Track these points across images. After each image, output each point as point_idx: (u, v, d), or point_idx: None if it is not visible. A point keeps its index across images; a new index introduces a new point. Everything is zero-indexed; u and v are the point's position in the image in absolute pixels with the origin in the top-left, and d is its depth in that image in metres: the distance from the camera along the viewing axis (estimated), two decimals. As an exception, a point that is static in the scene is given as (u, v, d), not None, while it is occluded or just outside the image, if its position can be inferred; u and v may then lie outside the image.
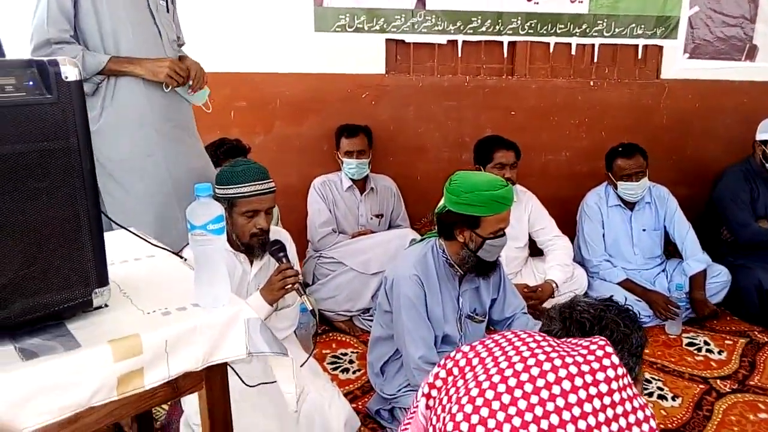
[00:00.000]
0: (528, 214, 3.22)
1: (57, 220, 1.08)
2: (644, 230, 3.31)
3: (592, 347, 1.04)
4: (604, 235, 3.31)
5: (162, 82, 2.17)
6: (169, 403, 2.21)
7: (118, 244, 1.51)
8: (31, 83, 1.05)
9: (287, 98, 3.44)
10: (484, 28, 3.51)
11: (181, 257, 1.47)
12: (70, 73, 1.08)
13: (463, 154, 3.48)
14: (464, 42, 3.52)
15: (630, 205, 3.30)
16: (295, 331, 2.32)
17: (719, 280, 3.19)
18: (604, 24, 3.57)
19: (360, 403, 2.43)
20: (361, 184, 3.33)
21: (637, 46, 3.66)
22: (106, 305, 1.19)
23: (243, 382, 1.51)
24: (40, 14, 2.02)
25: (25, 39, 2.07)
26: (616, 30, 3.60)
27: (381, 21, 3.43)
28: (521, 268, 3.24)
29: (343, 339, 3.00)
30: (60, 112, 1.07)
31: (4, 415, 0.96)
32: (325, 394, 2.01)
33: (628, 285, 3.17)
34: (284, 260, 2.06)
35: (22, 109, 1.03)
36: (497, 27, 3.51)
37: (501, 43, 3.56)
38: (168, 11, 2.25)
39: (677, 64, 3.69)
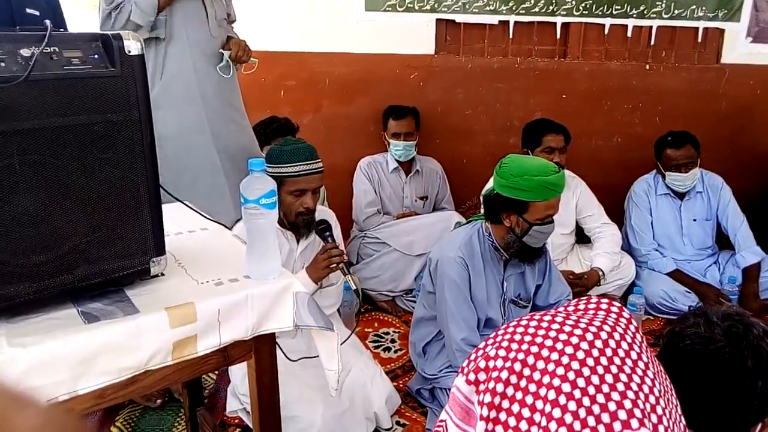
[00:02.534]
0: (576, 200, 3.17)
1: (119, 190, 1.12)
2: (695, 220, 3.21)
3: (603, 305, 1.06)
4: (652, 224, 3.23)
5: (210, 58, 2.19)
6: (217, 372, 2.28)
7: (173, 217, 1.56)
8: (96, 56, 1.09)
9: (336, 78, 3.45)
10: (537, 9, 3.44)
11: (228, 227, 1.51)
12: (133, 47, 1.11)
13: (511, 138, 3.43)
14: (516, 23, 3.46)
15: (680, 195, 3.20)
16: (338, 309, 2.36)
17: (774, 273, 3.08)
18: (663, 5, 3.44)
19: (401, 382, 2.45)
20: (406, 165, 3.33)
21: (697, 28, 3.51)
22: (163, 274, 1.24)
23: (285, 356, 1.55)
24: None
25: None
26: (676, 11, 3.46)
27: (432, 0, 3.39)
28: (567, 254, 3.20)
29: (386, 318, 3.02)
30: (123, 85, 1.11)
31: (68, 374, 1.01)
32: (368, 371, 2.04)
33: (677, 276, 3.09)
34: (330, 240, 2.09)
35: (88, 82, 1.07)
36: (551, 7, 3.43)
37: (554, 24, 3.48)
38: None
39: (739, 48, 3.53)
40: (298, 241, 2.18)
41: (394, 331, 2.89)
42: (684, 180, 3.10)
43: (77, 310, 1.11)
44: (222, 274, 1.27)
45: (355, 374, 2.04)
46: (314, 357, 1.82)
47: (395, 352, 2.71)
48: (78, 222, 1.08)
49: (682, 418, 1.03)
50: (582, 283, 2.92)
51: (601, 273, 2.97)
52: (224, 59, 2.26)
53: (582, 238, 3.26)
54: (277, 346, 1.52)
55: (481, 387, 1.04)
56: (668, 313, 3.04)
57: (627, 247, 3.27)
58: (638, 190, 3.26)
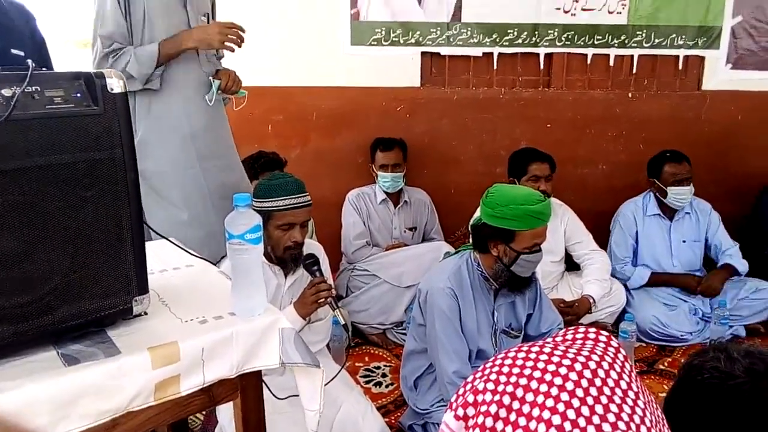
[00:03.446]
0: (564, 227, 3.18)
1: (101, 229, 1.11)
2: (684, 241, 3.23)
3: (591, 335, 1.05)
4: (636, 244, 3.25)
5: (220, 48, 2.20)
6: (204, 413, 2.23)
7: (158, 254, 1.54)
8: (78, 95, 1.09)
9: (323, 111, 3.48)
10: (520, 40, 3.50)
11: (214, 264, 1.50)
12: (115, 85, 1.11)
13: (498, 167, 3.45)
14: (500, 54, 3.51)
15: (669, 216, 3.23)
16: (328, 344, 2.33)
17: (765, 296, 3.09)
18: (644, 34, 3.52)
19: (393, 418, 2.41)
20: (395, 197, 3.34)
21: (677, 56, 3.58)
22: (146, 313, 1.22)
23: (272, 394, 1.52)
24: (95, 36, 2.12)
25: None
26: (656, 40, 3.54)
27: (417, 34, 3.45)
28: (557, 282, 3.19)
29: (376, 352, 2.99)
30: (106, 123, 1.10)
31: (48, 417, 0.99)
32: (359, 407, 2.00)
33: (656, 279, 3.16)
34: (318, 274, 2.07)
35: (70, 120, 1.06)
36: (533, 39, 3.49)
37: (537, 55, 3.54)
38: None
39: (719, 75, 3.60)
40: (285, 276, 2.16)
41: (385, 365, 2.85)
42: (687, 194, 3.13)
43: (57, 352, 1.08)
44: (207, 312, 1.25)
45: (346, 410, 2.00)
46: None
47: (386, 386, 2.68)
48: (59, 261, 1.06)
49: None
50: (573, 311, 2.91)
51: (591, 300, 2.96)
52: (212, 89, 2.26)
53: (571, 265, 3.26)
54: (263, 384, 1.50)
55: (470, 422, 1.02)
56: (661, 340, 3.03)
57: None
58: (625, 212, 3.28)
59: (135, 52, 2.10)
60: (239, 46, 2.20)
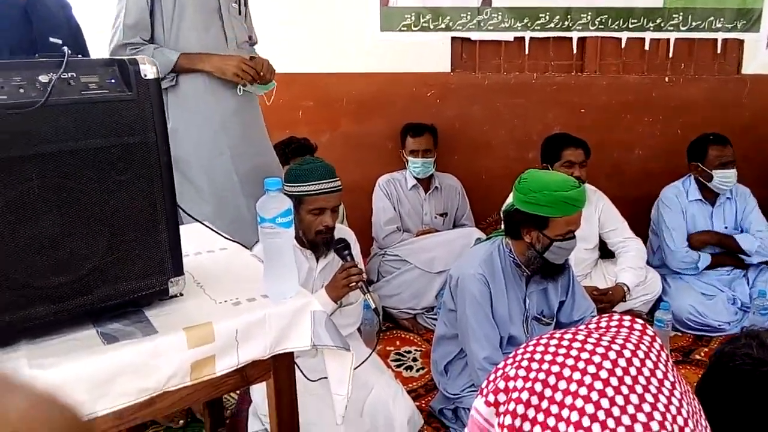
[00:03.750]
0: (598, 214, 3.12)
1: (137, 211, 1.13)
2: (726, 227, 3.15)
3: (626, 323, 1.04)
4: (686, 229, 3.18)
5: (230, 80, 2.22)
6: (238, 392, 2.27)
7: (192, 237, 1.56)
8: (112, 81, 1.10)
9: (353, 97, 3.48)
10: (552, 24, 3.43)
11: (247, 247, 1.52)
12: (149, 71, 1.13)
13: (530, 153, 3.41)
14: (531, 39, 3.46)
15: (711, 201, 3.15)
16: (359, 328, 2.35)
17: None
18: (680, 17, 3.42)
19: (423, 402, 2.42)
20: (425, 182, 3.33)
21: (715, 40, 3.48)
22: (181, 294, 1.24)
23: (305, 376, 1.54)
24: (119, 20, 2.12)
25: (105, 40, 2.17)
26: (693, 24, 3.44)
27: (446, 19, 3.41)
28: (591, 270, 3.14)
29: (407, 336, 2.99)
30: (139, 108, 1.12)
31: (87, 395, 1.02)
32: (389, 390, 2.01)
33: (705, 237, 3.12)
34: (348, 258, 2.08)
35: (105, 106, 1.08)
36: (566, 23, 3.43)
37: (570, 39, 3.47)
38: (240, 13, 2.31)
39: (760, 58, 3.49)
40: (317, 260, 2.17)
41: (416, 350, 2.86)
42: (732, 177, 3.06)
43: (96, 330, 1.11)
44: (240, 294, 1.27)
45: (377, 393, 2.02)
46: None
47: (417, 371, 2.68)
48: (96, 243, 1.09)
49: None
50: (607, 299, 2.87)
51: (626, 288, 2.91)
52: (239, 88, 2.27)
53: (606, 253, 3.21)
54: (296, 366, 1.51)
55: (501, 409, 1.01)
56: (697, 329, 2.97)
57: (660, 257, 3.22)
58: (669, 195, 3.20)
59: (154, 53, 2.11)
60: (251, 83, 2.24)
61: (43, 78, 1.02)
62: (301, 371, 1.53)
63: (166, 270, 1.18)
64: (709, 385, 1.09)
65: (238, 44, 2.29)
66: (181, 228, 1.23)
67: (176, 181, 2.17)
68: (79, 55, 1.19)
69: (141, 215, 1.14)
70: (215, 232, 1.51)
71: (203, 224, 1.50)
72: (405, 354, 2.83)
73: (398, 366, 2.72)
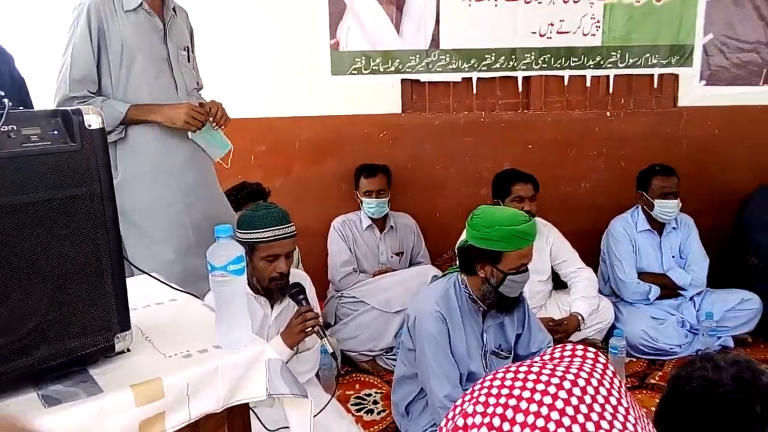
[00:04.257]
0: (549, 246, 3.19)
1: (80, 266, 1.10)
2: (673, 256, 3.26)
3: (579, 352, 1.05)
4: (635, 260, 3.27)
5: (181, 129, 2.19)
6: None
7: (140, 290, 1.52)
8: (55, 132, 1.08)
9: (306, 141, 3.49)
10: (498, 65, 3.55)
11: (197, 297, 1.49)
12: (93, 121, 1.11)
13: (482, 189, 3.47)
14: (479, 79, 3.56)
15: (659, 230, 3.26)
16: (317, 373, 2.31)
17: (751, 307, 3.12)
18: (618, 55, 3.59)
19: (386, 445, 2.38)
20: (380, 222, 3.34)
21: (652, 75, 3.67)
22: (129, 350, 1.20)
23: (262, 424, 1.50)
24: (64, 72, 2.07)
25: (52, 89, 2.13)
26: (630, 60, 3.61)
27: (396, 62, 3.49)
28: (545, 301, 3.19)
29: (367, 379, 2.96)
30: (83, 159, 1.10)
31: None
32: (350, 436, 1.97)
33: (647, 279, 3.22)
34: (304, 303, 2.06)
35: (47, 158, 1.06)
36: (511, 63, 3.55)
37: (515, 78, 3.59)
38: (189, 60, 2.31)
39: (694, 91, 3.68)
40: (272, 307, 2.14)
41: (377, 392, 2.82)
42: (674, 208, 3.17)
43: (37, 393, 1.06)
44: (191, 346, 1.24)
45: (338, 440, 1.98)
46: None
47: (378, 413, 2.64)
48: (37, 301, 1.05)
49: None
50: (562, 329, 2.91)
51: (580, 318, 2.96)
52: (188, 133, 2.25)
53: (559, 284, 3.27)
54: (255, 415, 1.47)
55: None
56: (650, 354, 3.04)
57: (613, 285, 3.31)
58: (618, 228, 3.30)
59: (102, 106, 2.06)
60: (199, 129, 2.22)
61: (-20, 132, 0.99)
62: (260, 421, 1.49)
63: (111, 326, 1.14)
64: (668, 410, 1.11)
65: (188, 91, 2.28)
66: (129, 280, 1.20)
67: (128, 232, 2.15)
68: (21, 108, 1.17)
69: (85, 269, 1.10)
70: (164, 283, 1.48)
71: (150, 276, 1.46)
72: (365, 397, 2.79)
73: (359, 410, 2.67)
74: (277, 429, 1.62)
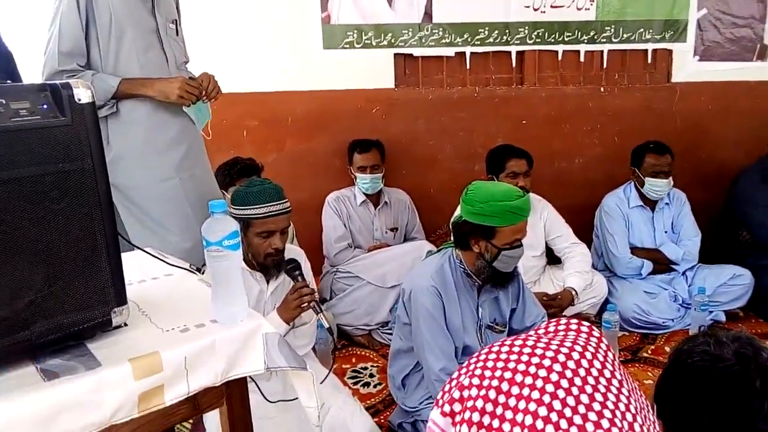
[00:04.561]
0: (543, 222, 3.20)
1: (74, 241, 1.09)
2: (666, 232, 3.28)
3: (573, 326, 1.06)
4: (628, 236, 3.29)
5: (175, 103, 2.17)
6: (191, 421, 2.21)
7: (135, 264, 1.52)
8: (45, 106, 1.06)
9: (298, 116, 3.47)
10: (491, 39, 3.52)
11: (195, 272, 1.48)
12: (83, 95, 1.09)
13: (476, 165, 3.47)
14: (472, 53, 3.53)
15: (651, 206, 3.28)
16: (314, 347, 2.32)
17: (742, 282, 3.15)
18: (612, 30, 3.57)
19: (382, 417, 2.41)
20: (375, 198, 3.34)
21: (646, 50, 3.65)
22: (126, 324, 1.20)
23: (264, 397, 1.51)
24: (51, 46, 2.03)
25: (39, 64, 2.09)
26: (624, 35, 3.59)
27: (389, 36, 3.45)
28: (539, 276, 3.21)
29: (363, 353, 2.98)
30: (74, 133, 1.08)
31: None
32: (347, 409, 2.00)
33: (640, 254, 3.25)
34: (299, 279, 2.06)
35: (37, 132, 1.04)
36: (505, 37, 3.52)
37: (509, 53, 3.56)
38: (177, 33, 2.27)
39: (688, 67, 3.67)
40: (268, 282, 2.15)
41: (373, 366, 2.85)
42: (664, 187, 3.18)
43: (36, 367, 1.06)
44: (188, 320, 1.24)
45: (335, 413, 2.00)
46: (292, 399, 1.79)
47: (374, 386, 2.67)
48: (33, 276, 1.04)
49: None
50: (556, 304, 2.94)
51: (574, 293, 2.99)
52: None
53: (553, 259, 3.29)
54: (256, 386, 1.49)
55: (457, 418, 1.02)
56: (643, 328, 3.07)
57: (606, 261, 3.33)
58: (611, 204, 3.31)
59: (93, 80, 2.02)
60: (194, 102, 2.18)
61: (-30, 106, 0.98)
62: (261, 393, 1.51)
63: (108, 300, 1.14)
64: (669, 384, 1.12)
65: (177, 65, 2.25)
66: (124, 255, 1.19)
67: (123, 208, 2.14)
68: (9, 81, 1.15)
69: (79, 245, 1.09)
70: (158, 258, 1.47)
71: (145, 252, 1.46)
72: (361, 371, 2.81)
73: (355, 383, 2.70)
74: (277, 401, 1.64)
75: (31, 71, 2.20)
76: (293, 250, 2.24)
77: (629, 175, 3.31)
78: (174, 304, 1.33)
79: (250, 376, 1.40)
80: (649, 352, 2.93)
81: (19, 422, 0.96)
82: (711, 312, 3.08)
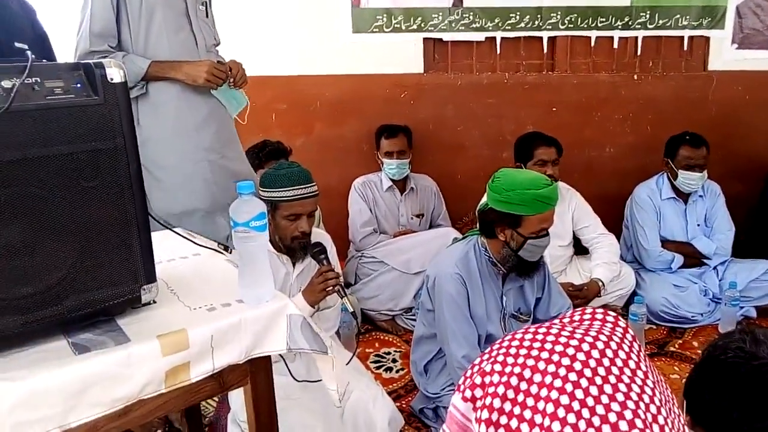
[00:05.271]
0: (572, 211, 3.16)
1: (106, 219, 1.11)
2: (698, 225, 3.22)
3: (599, 316, 1.05)
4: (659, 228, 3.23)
5: (202, 86, 2.18)
6: (217, 399, 2.25)
7: (163, 244, 1.54)
8: (78, 85, 1.08)
9: (327, 100, 3.47)
10: (522, 24, 3.47)
11: (223, 252, 1.50)
12: (115, 74, 1.11)
13: (504, 152, 3.43)
14: (503, 39, 3.49)
15: (684, 198, 3.21)
16: (338, 331, 2.34)
17: (776, 276, 3.07)
18: (647, 15, 3.48)
19: (404, 402, 2.42)
20: (401, 184, 3.33)
21: (682, 37, 3.55)
22: (155, 301, 1.22)
23: (292, 375, 1.54)
24: (84, 27, 2.06)
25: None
26: (660, 21, 3.50)
27: (418, 20, 3.42)
28: (566, 266, 3.18)
29: (387, 338, 2.99)
30: (106, 113, 1.10)
31: (60, 406, 1.00)
32: (369, 392, 2.01)
33: (671, 247, 3.19)
34: (325, 262, 2.07)
35: (71, 111, 1.06)
36: (536, 22, 3.46)
37: (540, 38, 3.51)
38: (207, 15, 2.28)
39: (725, 55, 3.56)
40: (294, 265, 2.16)
41: (396, 351, 2.86)
42: (697, 180, 3.11)
43: (67, 341, 1.09)
44: (214, 299, 1.26)
45: (357, 396, 2.01)
46: (315, 381, 1.82)
47: (397, 371, 2.68)
48: (65, 252, 1.07)
49: (686, 429, 1.01)
50: (582, 295, 2.90)
51: (601, 284, 2.95)
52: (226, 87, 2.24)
53: (580, 249, 3.25)
54: (285, 365, 1.51)
55: (478, 404, 1.02)
56: (671, 321, 3.02)
57: (636, 253, 3.27)
58: (642, 195, 3.25)
59: (123, 61, 2.04)
60: (221, 85, 2.19)
61: (6, 83, 1.00)
62: (290, 371, 1.53)
63: (138, 277, 1.16)
64: (701, 378, 1.10)
65: (207, 47, 2.26)
66: (154, 235, 1.21)
67: (152, 187, 2.17)
68: (45, 61, 1.17)
69: (111, 222, 1.12)
70: (186, 238, 1.49)
71: (174, 231, 1.48)
72: (384, 355, 2.83)
73: (378, 368, 2.72)
74: (302, 380, 1.67)
75: (66, 54, 2.24)
76: (319, 234, 2.25)
77: (662, 165, 3.24)
78: (201, 284, 1.35)
79: (282, 357, 1.43)
80: (677, 346, 2.88)
81: (51, 394, 0.99)
82: (742, 307, 3.01)
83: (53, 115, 1.04)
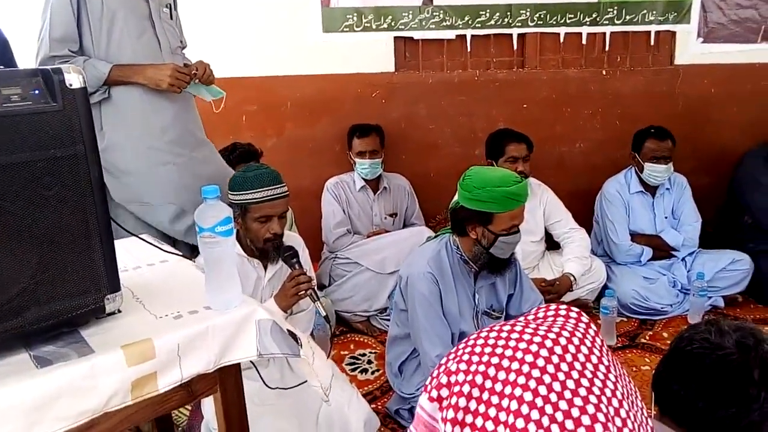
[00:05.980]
0: (543, 207, 3.19)
1: (67, 227, 1.09)
2: (666, 217, 3.28)
3: (562, 312, 1.06)
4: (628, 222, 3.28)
5: (166, 91, 2.15)
6: (190, 407, 2.22)
7: (131, 251, 1.52)
8: (36, 92, 1.06)
9: (297, 100, 3.45)
10: (492, 22, 3.49)
11: (189, 258, 1.49)
12: (74, 80, 1.09)
13: (476, 149, 3.45)
14: (473, 36, 3.50)
15: (651, 191, 3.26)
16: (312, 333, 2.32)
17: (742, 267, 3.14)
18: (615, 11, 3.53)
19: (380, 404, 2.42)
20: (374, 183, 3.33)
21: (649, 32, 3.61)
22: (119, 311, 1.20)
23: (264, 383, 1.52)
24: (44, 32, 2.02)
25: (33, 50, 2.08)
26: (627, 17, 3.55)
27: (389, 19, 3.42)
28: (538, 262, 3.21)
29: (361, 339, 2.99)
30: (65, 119, 1.08)
31: (22, 421, 0.97)
32: (344, 395, 2.00)
33: (640, 240, 3.24)
34: (297, 266, 2.06)
35: (28, 118, 1.04)
36: (506, 20, 3.48)
37: (510, 35, 3.53)
38: (171, 17, 2.25)
39: (691, 49, 3.63)
40: (265, 269, 2.14)
41: (371, 352, 2.86)
42: (663, 173, 3.16)
43: (29, 354, 1.06)
44: (181, 307, 1.24)
45: (331, 399, 2.00)
46: (290, 387, 1.81)
47: (372, 373, 2.68)
48: (25, 263, 1.04)
49: (649, 421, 1.03)
50: (554, 290, 2.93)
51: (572, 278, 2.98)
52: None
53: (552, 244, 3.28)
54: (257, 372, 1.50)
55: (444, 403, 1.03)
56: (642, 313, 3.07)
57: (605, 247, 3.32)
58: (611, 190, 3.30)
59: (84, 66, 2.01)
60: (184, 88, 2.18)
61: (-41, 92, 0.97)
62: (262, 378, 1.52)
63: (101, 287, 1.14)
64: (666, 368, 1.12)
65: (171, 50, 2.23)
66: (120, 242, 1.20)
67: (119, 192, 2.13)
68: (2, 67, 1.14)
69: (72, 231, 1.09)
70: (152, 244, 1.47)
71: (139, 237, 1.45)
72: (360, 357, 2.82)
73: (353, 369, 2.71)
74: (275, 387, 1.66)
75: (28, 60, 2.19)
76: (292, 237, 2.23)
77: (630, 159, 3.29)
78: (168, 291, 1.33)
79: (253, 363, 1.41)
80: (647, 337, 2.93)
81: (12, 409, 0.97)
82: (710, 297, 3.08)
83: (10, 122, 1.02)
